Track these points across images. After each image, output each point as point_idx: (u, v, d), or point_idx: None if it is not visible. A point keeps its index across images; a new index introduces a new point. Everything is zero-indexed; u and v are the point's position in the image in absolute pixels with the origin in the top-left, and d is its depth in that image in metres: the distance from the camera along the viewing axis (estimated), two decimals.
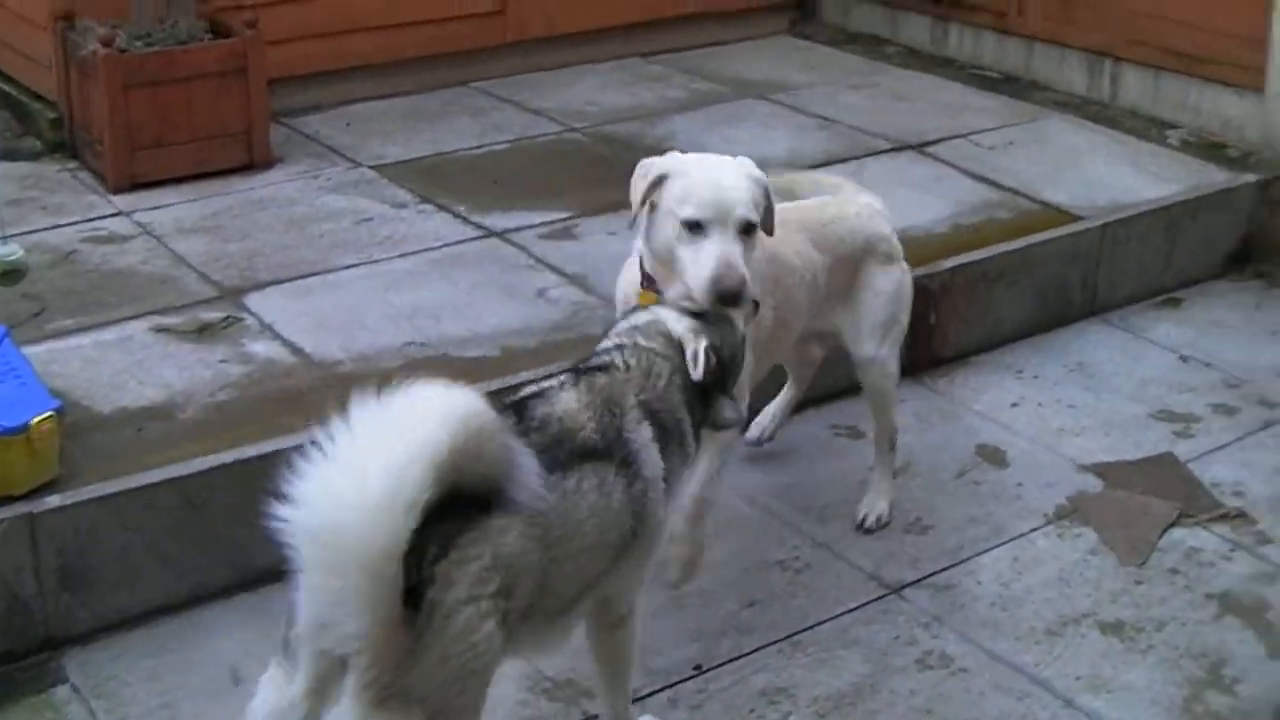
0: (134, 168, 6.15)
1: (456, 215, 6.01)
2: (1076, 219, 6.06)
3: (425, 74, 7.47)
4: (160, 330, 5.01)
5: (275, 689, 2.82)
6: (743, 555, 4.42)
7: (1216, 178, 6.53)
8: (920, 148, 6.74)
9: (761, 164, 3.85)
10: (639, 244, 3.84)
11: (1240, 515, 4.73)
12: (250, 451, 4.27)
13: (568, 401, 3.15)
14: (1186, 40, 7.00)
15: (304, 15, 7.05)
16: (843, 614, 4.23)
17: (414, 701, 2.66)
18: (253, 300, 5.25)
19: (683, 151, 3.85)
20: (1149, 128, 7.08)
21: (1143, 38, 7.19)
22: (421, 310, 5.19)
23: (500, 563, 2.77)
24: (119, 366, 4.77)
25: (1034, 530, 4.64)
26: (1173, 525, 4.66)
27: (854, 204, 4.50)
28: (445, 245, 5.73)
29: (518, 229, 5.87)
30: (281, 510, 2.54)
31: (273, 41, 6.50)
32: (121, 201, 6.06)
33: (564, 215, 6.02)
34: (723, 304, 3.58)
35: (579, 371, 3.30)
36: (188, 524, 4.17)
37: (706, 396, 3.44)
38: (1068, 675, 4.01)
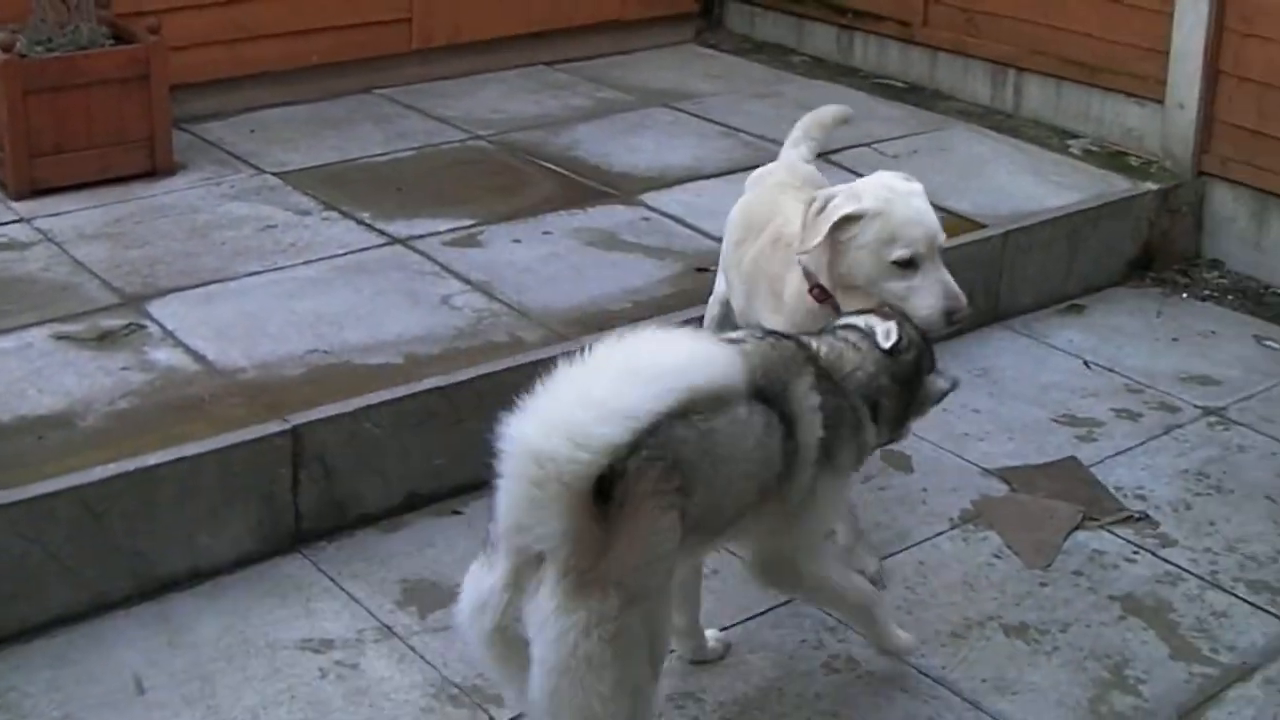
0: (34, 174, 6.07)
1: (360, 222, 5.97)
2: (980, 227, 6.10)
3: (329, 81, 7.43)
4: (60, 338, 4.95)
5: (475, 581, 3.05)
6: None
7: (1118, 186, 6.60)
8: (825, 156, 6.74)
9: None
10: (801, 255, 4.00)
11: (1143, 518, 4.77)
12: (151, 460, 4.23)
13: (751, 346, 3.45)
14: (1088, 51, 7.07)
15: (207, 21, 6.99)
16: (749, 619, 4.23)
17: (609, 585, 2.93)
18: (154, 307, 5.19)
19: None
20: (1051, 137, 7.15)
21: (1045, 48, 7.26)
22: (324, 318, 5.16)
23: (680, 466, 3.04)
24: (18, 374, 4.71)
25: (939, 534, 4.67)
26: (1076, 528, 4.70)
27: (803, 166, 4.77)
28: (349, 252, 5.69)
29: (422, 236, 5.85)
30: (508, 424, 2.80)
31: (175, 47, 6.45)
32: (22, 208, 5.98)
33: (469, 223, 5.99)
34: (950, 326, 3.86)
35: (769, 333, 3.61)
36: (88, 533, 4.12)
37: (913, 381, 3.72)
38: (974, 677, 4.04)
